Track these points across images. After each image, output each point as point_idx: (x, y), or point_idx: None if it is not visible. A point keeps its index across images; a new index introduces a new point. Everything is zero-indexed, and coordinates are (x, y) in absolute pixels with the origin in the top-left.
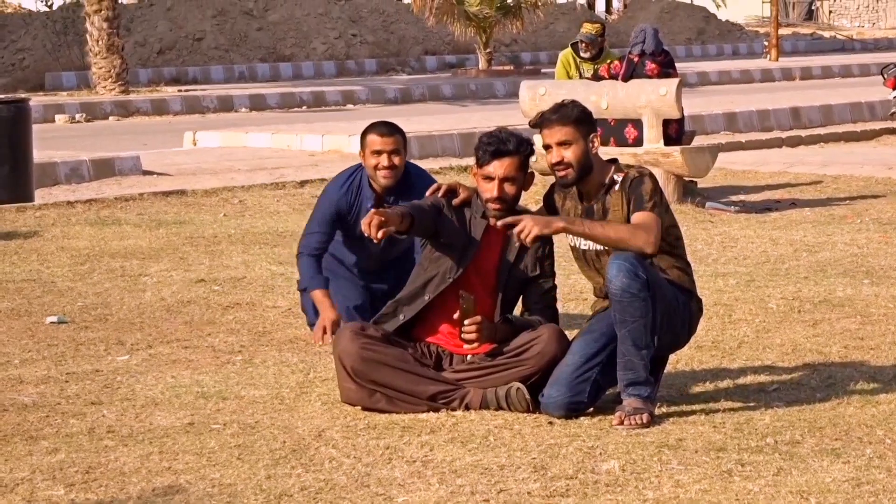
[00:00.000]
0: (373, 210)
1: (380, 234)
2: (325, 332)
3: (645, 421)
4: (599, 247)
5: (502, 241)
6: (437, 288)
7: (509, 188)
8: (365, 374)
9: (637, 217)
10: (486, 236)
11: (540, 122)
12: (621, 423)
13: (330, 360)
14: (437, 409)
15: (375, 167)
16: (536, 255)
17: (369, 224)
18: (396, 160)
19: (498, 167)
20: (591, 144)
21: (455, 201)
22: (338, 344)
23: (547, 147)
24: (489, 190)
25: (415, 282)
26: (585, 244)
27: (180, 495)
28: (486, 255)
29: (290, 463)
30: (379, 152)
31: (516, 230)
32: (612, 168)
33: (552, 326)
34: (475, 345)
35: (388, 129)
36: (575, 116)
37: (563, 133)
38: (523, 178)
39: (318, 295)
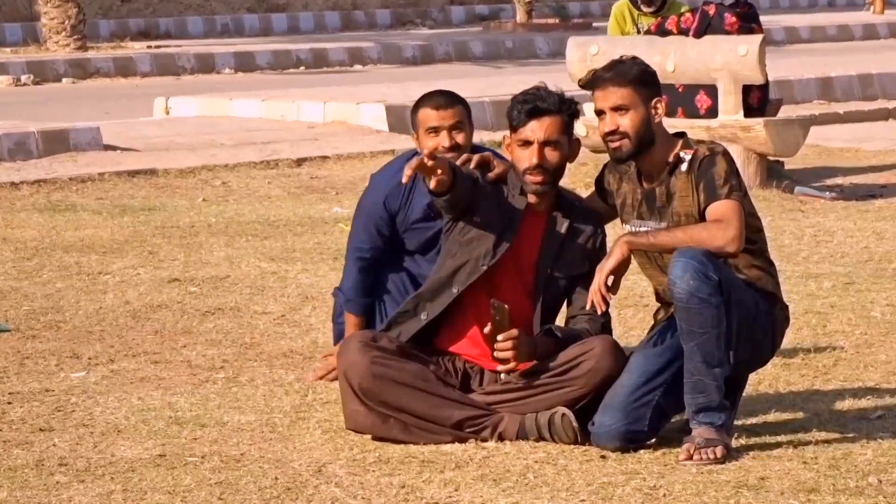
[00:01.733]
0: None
1: (432, 183)
2: (326, 375)
3: (719, 455)
4: None
5: (544, 227)
6: (469, 278)
7: (551, 154)
8: (376, 395)
9: (712, 210)
10: (525, 219)
11: (592, 82)
12: (690, 457)
13: (330, 383)
14: (463, 440)
15: (434, 150)
16: (587, 246)
17: (419, 164)
18: (459, 138)
19: (537, 128)
20: (653, 111)
21: (490, 175)
22: (343, 357)
23: (599, 113)
24: (526, 158)
25: (440, 271)
26: (645, 229)
27: None
28: (524, 244)
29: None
30: (436, 129)
31: (594, 292)
32: (680, 143)
33: (606, 338)
34: (511, 364)
35: (447, 99)
36: (634, 75)
37: (619, 96)
38: (567, 143)
39: (350, 321)
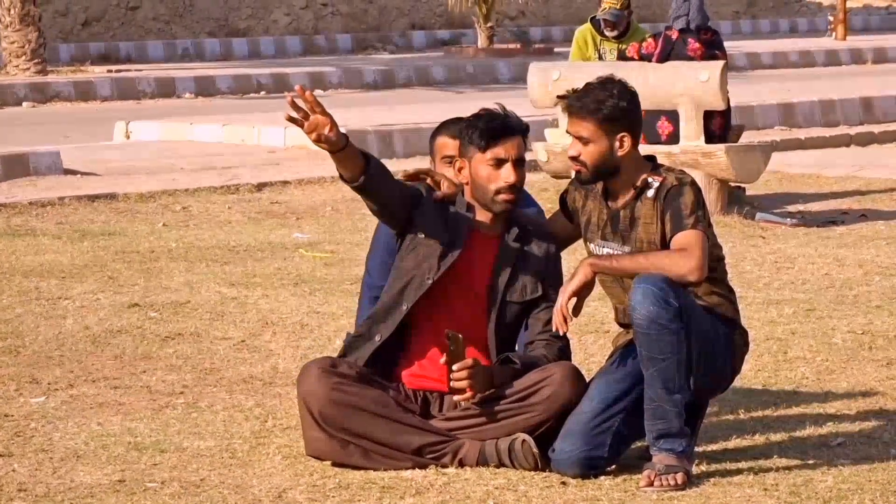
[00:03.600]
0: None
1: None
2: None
3: (680, 482)
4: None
5: (496, 250)
6: (417, 293)
7: (521, 173)
8: (336, 422)
9: (677, 239)
10: (477, 242)
11: (564, 105)
12: (650, 483)
13: (292, 405)
14: (424, 466)
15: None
16: (539, 269)
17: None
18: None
19: (510, 147)
20: (617, 144)
21: (436, 195)
22: (303, 384)
23: (569, 133)
24: (502, 177)
25: (390, 290)
26: (607, 250)
27: None
28: (477, 267)
29: None
30: (453, 158)
31: (556, 313)
32: (649, 169)
33: (565, 365)
34: (467, 395)
35: None
36: (604, 114)
37: (583, 128)
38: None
39: None
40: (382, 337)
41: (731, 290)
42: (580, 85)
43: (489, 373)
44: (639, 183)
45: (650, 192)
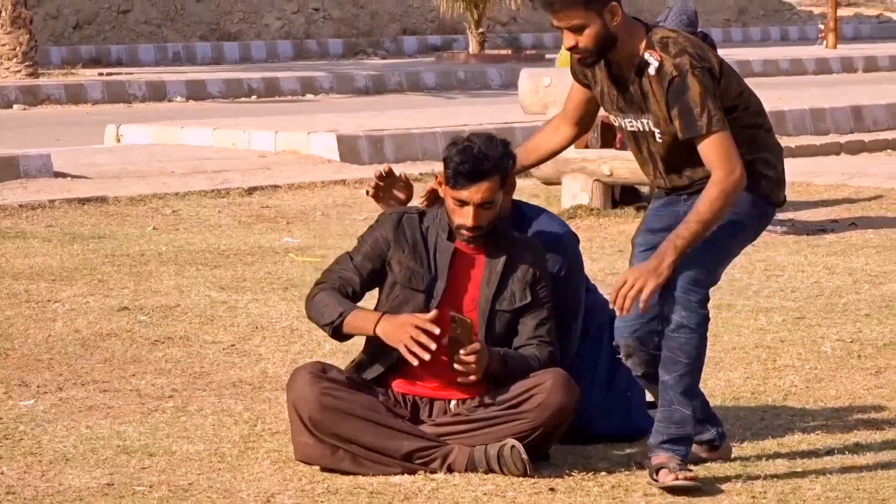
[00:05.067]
0: None
1: None
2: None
3: (692, 477)
4: (652, 126)
5: (482, 262)
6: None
7: (486, 214)
8: (326, 427)
9: (705, 155)
10: (455, 264)
11: (544, 8)
12: (676, 477)
13: (282, 409)
14: (413, 471)
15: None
16: (525, 279)
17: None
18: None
19: (474, 192)
20: (609, 18)
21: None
22: (292, 389)
23: (559, 28)
24: (462, 215)
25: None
26: (634, 125)
27: None
28: (462, 281)
29: None
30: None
31: (623, 296)
32: (644, 43)
33: (558, 372)
34: (472, 378)
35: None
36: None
37: (573, 17)
38: (502, 196)
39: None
40: (383, 366)
41: (770, 131)
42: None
43: (490, 355)
44: (637, 61)
45: (651, 70)
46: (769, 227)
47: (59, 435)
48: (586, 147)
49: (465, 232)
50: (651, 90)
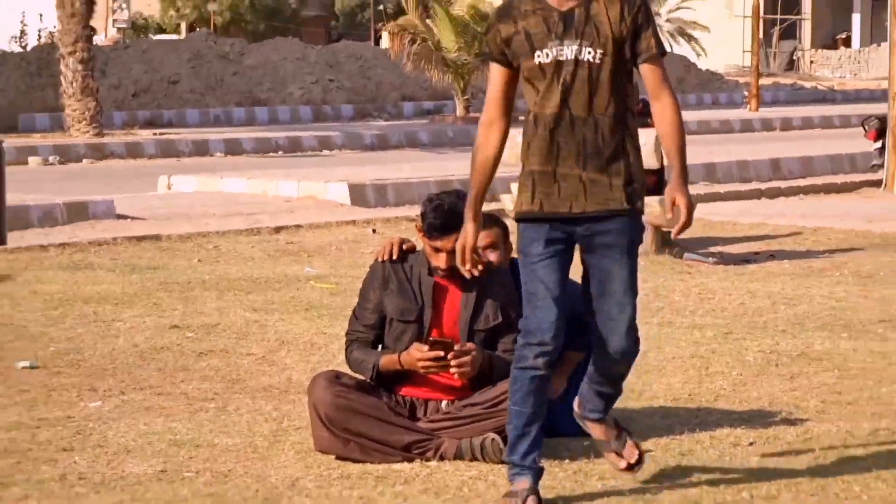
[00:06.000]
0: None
1: None
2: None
3: (641, 454)
4: (590, 50)
5: (459, 289)
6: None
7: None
8: (339, 423)
9: (658, 74)
10: (437, 296)
11: None
12: (630, 467)
13: (304, 409)
14: (411, 460)
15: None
16: (496, 303)
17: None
18: (493, 257)
19: (446, 242)
20: None
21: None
22: (312, 392)
23: None
24: (437, 259)
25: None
26: (564, 52)
27: None
28: (444, 313)
29: None
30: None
31: (681, 221)
32: None
33: None
34: (467, 372)
35: (486, 220)
36: None
37: None
38: None
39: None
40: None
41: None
42: None
43: (480, 354)
44: None
45: None
46: (702, 259)
47: (121, 430)
48: None
49: (440, 271)
50: (602, 12)
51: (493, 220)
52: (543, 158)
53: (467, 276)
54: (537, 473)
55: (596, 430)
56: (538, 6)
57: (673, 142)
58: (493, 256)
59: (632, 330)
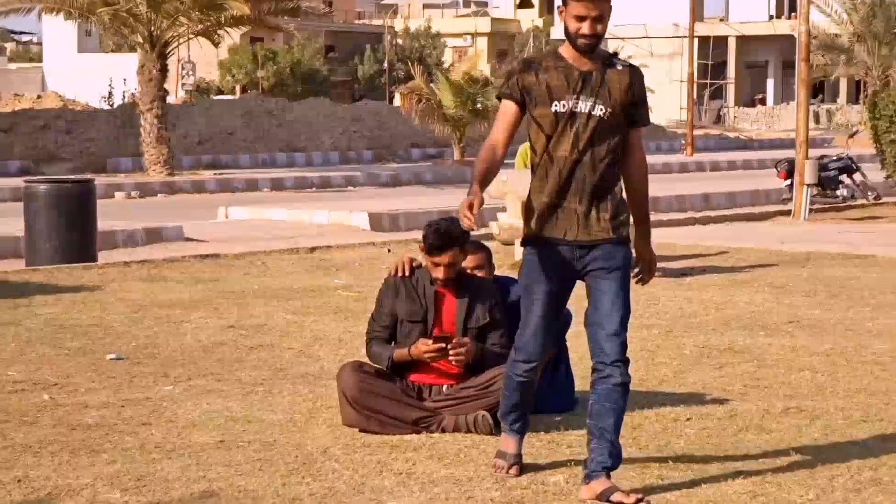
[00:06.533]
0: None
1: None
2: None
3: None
4: (601, 106)
5: (454, 298)
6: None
7: (452, 270)
8: (362, 403)
9: (638, 136)
10: (438, 302)
11: None
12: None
13: (334, 392)
14: (418, 432)
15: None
16: (485, 307)
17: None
18: (480, 273)
19: (444, 258)
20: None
21: (414, 264)
22: (340, 378)
23: (581, 18)
24: (437, 272)
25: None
26: (579, 106)
27: (213, 499)
28: (444, 315)
29: (300, 474)
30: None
31: (644, 277)
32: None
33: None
34: (464, 359)
35: (471, 245)
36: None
37: (602, 8)
38: (462, 258)
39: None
40: (404, 373)
41: None
42: (522, 185)
43: (474, 346)
44: (605, 57)
45: (619, 66)
46: None
47: (188, 409)
48: None
49: (439, 281)
50: (611, 79)
51: (479, 246)
52: (551, 192)
53: (464, 226)
54: (521, 437)
55: (599, 486)
56: (560, 63)
57: (641, 193)
58: (480, 273)
59: (618, 335)
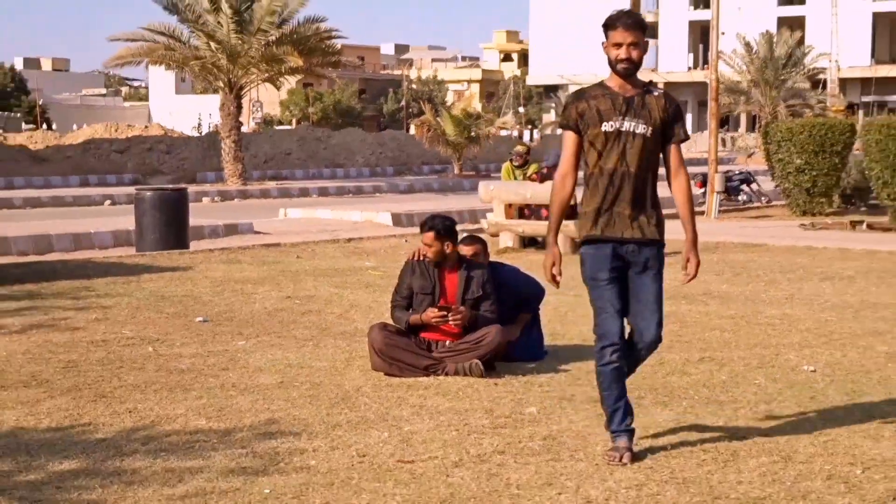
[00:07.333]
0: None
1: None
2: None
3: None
4: (644, 126)
5: (456, 275)
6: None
7: (435, 253)
8: (386, 353)
9: (678, 153)
10: (442, 279)
11: (615, 21)
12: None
13: (365, 346)
14: (428, 375)
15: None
16: (479, 282)
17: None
18: (477, 260)
19: (425, 238)
20: (644, 48)
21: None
22: (370, 335)
23: (619, 45)
24: (425, 248)
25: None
26: (626, 125)
27: (274, 425)
28: (447, 289)
29: (340, 406)
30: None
31: (692, 274)
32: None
33: (498, 327)
34: (461, 322)
35: (470, 238)
36: (644, 27)
37: (637, 36)
38: (449, 246)
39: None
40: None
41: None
42: (508, 193)
43: (469, 313)
44: (643, 84)
45: (655, 93)
46: None
47: (256, 358)
48: (513, 218)
49: (429, 259)
50: (651, 104)
51: (478, 239)
52: (603, 200)
53: (553, 286)
54: (631, 433)
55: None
56: (606, 92)
57: (687, 210)
58: (477, 260)
59: (659, 326)
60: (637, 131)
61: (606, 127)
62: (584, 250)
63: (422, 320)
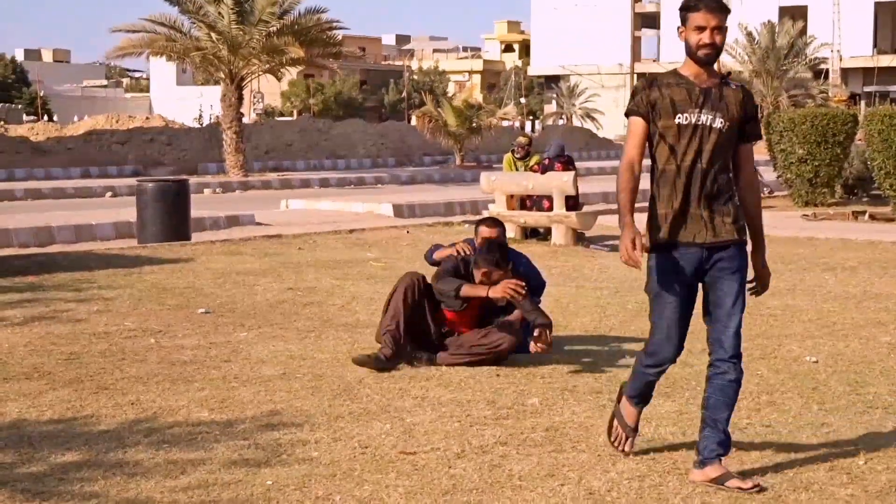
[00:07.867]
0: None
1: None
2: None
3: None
4: (720, 119)
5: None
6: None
7: (494, 276)
8: (407, 299)
9: (749, 152)
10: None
11: (697, 2)
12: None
13: (369, 337)
14: (424, 352)
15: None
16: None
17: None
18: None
19: (491, 273)
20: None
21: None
22: (401, 279)
23: (701, 29)
24: (480, 275)
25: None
26: (701, 118)
27: (277, 416)
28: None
29: (342, 398)
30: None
31: (761, 291)
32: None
33: (511, 338)
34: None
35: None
36: (727, 11)
37: (722, 20)
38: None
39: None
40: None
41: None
42: (509, 184)
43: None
44: (720, 76)
45: (733, 86)
46: (601, 248)
47: (259, 350)
48: (515, 209)
49: (480, 279)
50: (728, 96)
51: (497, 222)
52: (678, 199)
53: (631, 266)
54: (640, 410)
55: (714, 471)
56: (681, 81)
57: (759, 220)
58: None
59: (737, 334)
60: (714, 125)
61: (680, 119)
62: (653, 260)
63: (487, 295)
